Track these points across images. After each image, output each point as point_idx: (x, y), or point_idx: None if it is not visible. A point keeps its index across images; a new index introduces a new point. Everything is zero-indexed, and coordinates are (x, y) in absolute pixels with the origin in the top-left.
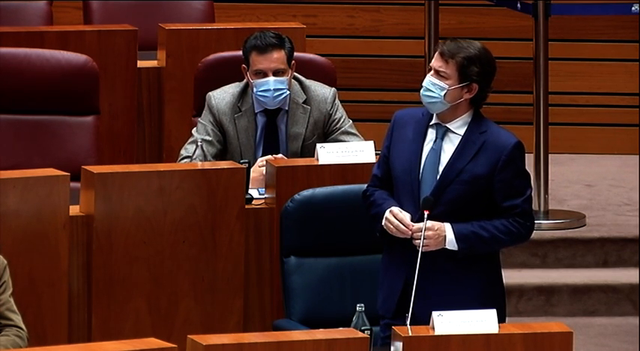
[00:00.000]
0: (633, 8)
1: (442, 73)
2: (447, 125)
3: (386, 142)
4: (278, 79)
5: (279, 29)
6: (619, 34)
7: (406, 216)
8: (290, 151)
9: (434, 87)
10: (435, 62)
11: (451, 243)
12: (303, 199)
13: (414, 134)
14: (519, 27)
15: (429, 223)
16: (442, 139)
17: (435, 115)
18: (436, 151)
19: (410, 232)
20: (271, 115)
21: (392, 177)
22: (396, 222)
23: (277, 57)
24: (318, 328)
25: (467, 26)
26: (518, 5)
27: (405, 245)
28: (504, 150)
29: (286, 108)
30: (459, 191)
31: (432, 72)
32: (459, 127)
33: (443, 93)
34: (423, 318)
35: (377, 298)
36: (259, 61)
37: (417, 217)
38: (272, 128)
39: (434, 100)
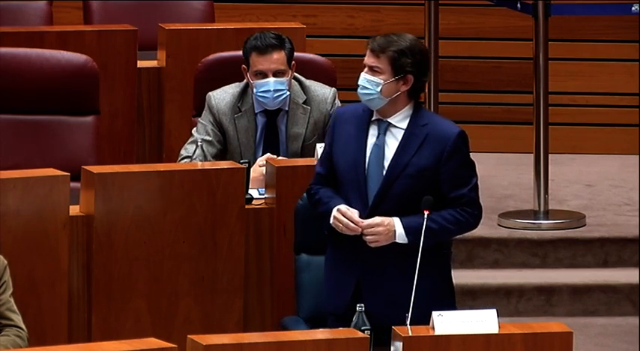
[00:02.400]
0: (633, 8)
1: (376, 69)
2: (389, 120)
3: (328, 139)
4: (278, 79)
5: (279, 29)
6: (619, 34)
7: (354, 213)
8: (290, 152)
9: (369, 83)
10: (367, 59)
11: (401, 237)
12: None
13: (356, 131)
14: (519, 27)
15: (378, 219)
16: (385, 134)
17: (375, 111)
18: (380, 146)
19: (360, 230)
20: (271, 116)
21: (337, 174)
22: (345, 220)
23: (277, 58)
24: (324, 326)
25: (467, 26)
26: (518, 5)
27: (356, 244)
28: (448, 140)
29: (286, 108)
30: (406, 185)
31: (365, 69)
32: (400, 121)
33: (379, 88)
34: (376, 311)
35: (323, 296)
36: (259, 62)
37: (366, 214)
38: (272, 128)
39: (371, 96)
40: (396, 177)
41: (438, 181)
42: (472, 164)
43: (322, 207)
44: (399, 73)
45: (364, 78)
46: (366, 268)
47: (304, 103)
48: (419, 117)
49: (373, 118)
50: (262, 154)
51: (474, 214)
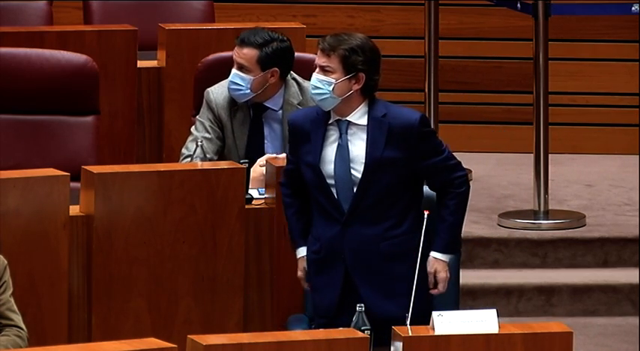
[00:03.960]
0: (633, 8)
1: (327, 68)
2: (348, 119)
3: (290, 147)
4: (240, 74)
5: (279, 29)
6: (619, 34)
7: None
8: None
9: (321, 83)
10: (318, 59)
11: (447, 258)
12: None
13: (315, 135)
14: (519, 27)
15: (442, 284)
16: (346, 133)
17: (332, 112)
18: (344, 146)
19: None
20: (257, 111)
21: (308, 182)
22: None
23: (246, 53)
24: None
25: (467, 26)
26: (518, 5)
27: (337, 240)
28: (413, 128)
29: (276, 108)
30: (384, 180)
31: (317, 69)
32: (359, 118)
33: (331, 88)
34: (373, 303)
35: (312, 302)
36: (234, 52)
37: (345, 216)
38: (257, 125)
39: (324, 96)
40: (373, 174)
41: (413, 166)
42: (438, 139)
43: (290, 234)
44: (351, 71)
45: (316, 78)
46: (353, 262)
47: (299, 104)
48: (376, 109)
49: (332, 120)
50: (246, 149)
51: (463, 179)
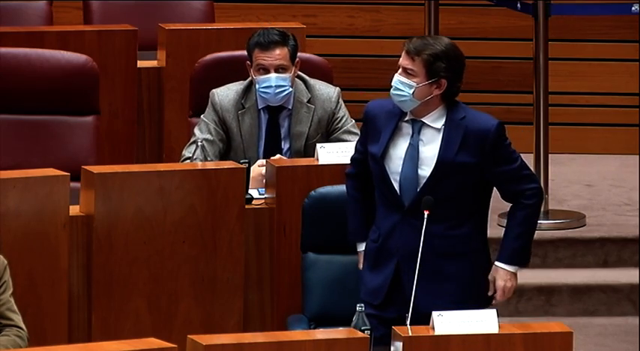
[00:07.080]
0: (633, 8)
1: (409, 71)
2: (423, 119)
3: (361, 137)
4: (280, 75)
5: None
6: (619, 34)
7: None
8: (293, 150)
9: (402, 85)
10: (402, 60)
11: (511, 268)
12: (317, 196)
13: (387, 128)
14: (519, 27)
15: (500, 284)
16: (419, 133)
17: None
18: (414, 146)
19: None
20: (273, 113)
21: (373, 173)
22: None
23: (280, 53)
24: (329, 325)
25: (467, 26)
26: (518, 5)
27: (393, 235)
28: (488, 134)
29: (289, 106)
30: (452, 182)
31: (399, 70)
32: (434, 121)
33: (411, 91)
34: (417, 297)
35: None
36: (262, 58)
37: (404, 210)
38: (274, 126)
39: (403, 98)
40: (443, 176)
41: (483, 172)
42: (512, 148)
43: (349, 226)
44: (433, 77)
45: (397, 80)
46: (404, 255)
47: (308, 101)
48: (455, 112)
49: (407, 117)
50: (264, 152)
51: (534, 194)
